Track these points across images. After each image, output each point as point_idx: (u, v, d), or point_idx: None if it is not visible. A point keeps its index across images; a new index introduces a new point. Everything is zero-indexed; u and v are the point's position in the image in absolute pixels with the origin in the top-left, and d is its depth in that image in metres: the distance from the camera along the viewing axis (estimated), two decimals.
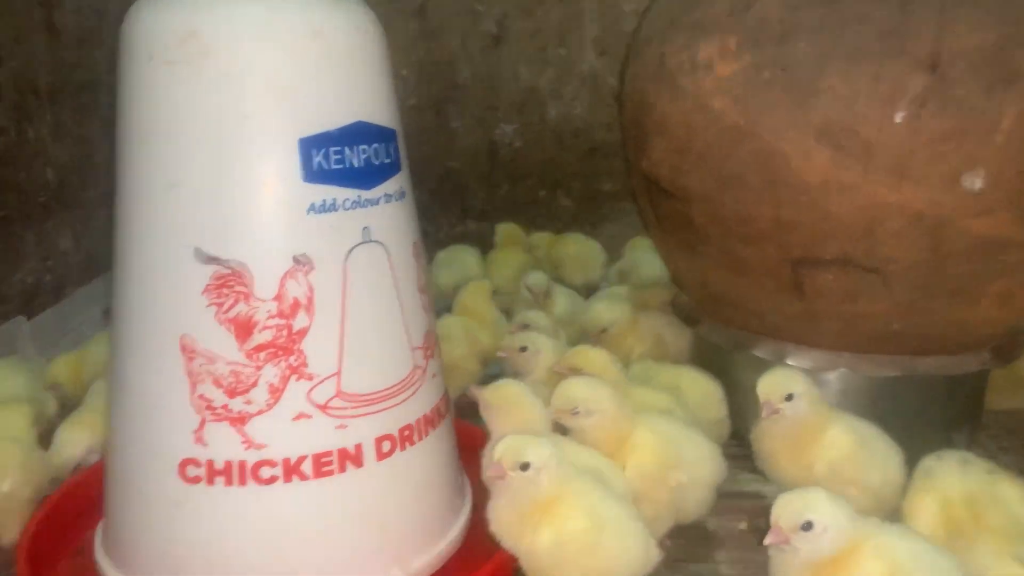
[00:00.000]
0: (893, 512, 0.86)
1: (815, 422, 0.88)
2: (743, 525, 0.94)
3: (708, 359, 1.11)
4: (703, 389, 1.01)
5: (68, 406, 1.12)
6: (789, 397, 0.87)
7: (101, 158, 1.60)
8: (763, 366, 1.02)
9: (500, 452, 0.72)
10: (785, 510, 0.67)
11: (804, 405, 0.87)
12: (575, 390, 0.84)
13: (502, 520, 0.74)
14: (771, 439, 0.90)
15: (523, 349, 1.05)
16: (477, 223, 2.00)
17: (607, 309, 1.21)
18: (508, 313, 1.37)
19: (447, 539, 0.83)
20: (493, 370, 1.19)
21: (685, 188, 0.95)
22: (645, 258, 1.66)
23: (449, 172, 1.96)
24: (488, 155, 1.95)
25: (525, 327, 1.14)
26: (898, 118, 0.79)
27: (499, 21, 1.86)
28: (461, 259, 1.62)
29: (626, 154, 1.10)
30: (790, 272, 0.91)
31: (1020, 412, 1.26)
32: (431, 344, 0.82)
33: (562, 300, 1.41)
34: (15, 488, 0.84)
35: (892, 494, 0.86)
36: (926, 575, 0.68)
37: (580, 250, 1.75)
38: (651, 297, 1.34)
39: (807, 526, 0.66)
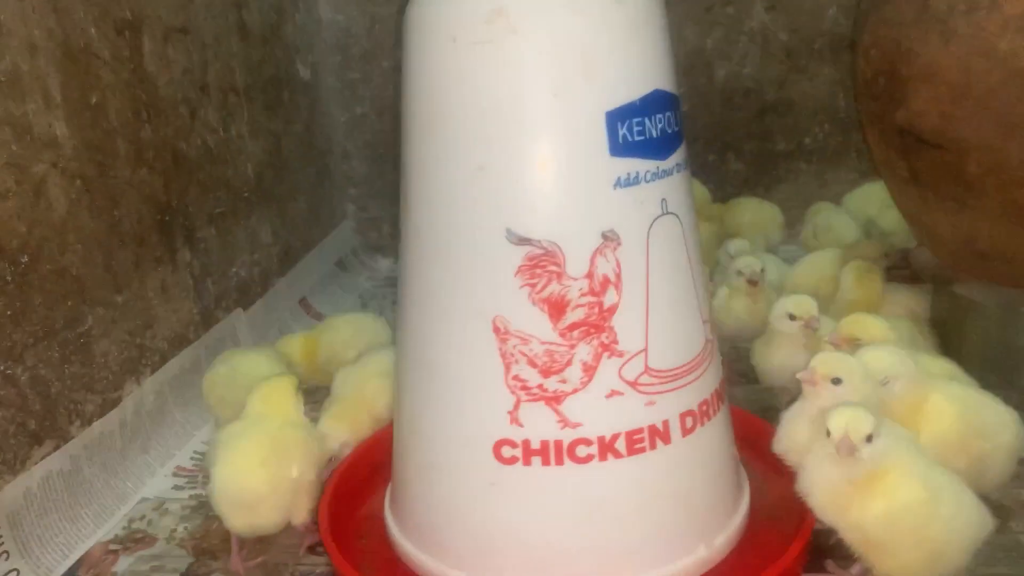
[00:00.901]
0: None
1: None
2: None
3: (958, 321, 1.05)
4: None
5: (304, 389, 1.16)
6: None
7: (288, 152, 1.65)
8: None
9: (843, 426, 0.69)
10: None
11: None
12: (879, 358, 0.79)
13: (825, 494, 0.71)
14: None
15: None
16: None
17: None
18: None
19: (740, 514, 0.81)
20: None
21: (958, 138, 0.89)
22: (838, 219, 1.60)
23: None
24: None
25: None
26: None
27: None
28: None
29: (866, 107, 1.04)
30: None
31: None
32: (712, 317, 0.80)
33: (770, 268, 1.36)
34: (302, 472, 0.87)
35: None
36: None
37: (755, 216, 1.69)
38: (863, 254, 1.28)
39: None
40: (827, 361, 0.78)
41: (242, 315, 1.42)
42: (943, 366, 0.89)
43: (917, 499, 0.68)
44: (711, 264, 1.44)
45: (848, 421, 0.69)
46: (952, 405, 0.80)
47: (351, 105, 1.90)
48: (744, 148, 1.89)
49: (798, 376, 0.80)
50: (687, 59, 1.84)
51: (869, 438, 0.68)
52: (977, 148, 0.88)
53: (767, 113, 1.86)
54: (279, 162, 1.62)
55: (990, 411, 0.82)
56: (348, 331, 1.22)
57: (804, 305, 1.01)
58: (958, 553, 0.70)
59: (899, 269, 1.25)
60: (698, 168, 1.92)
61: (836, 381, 0.77)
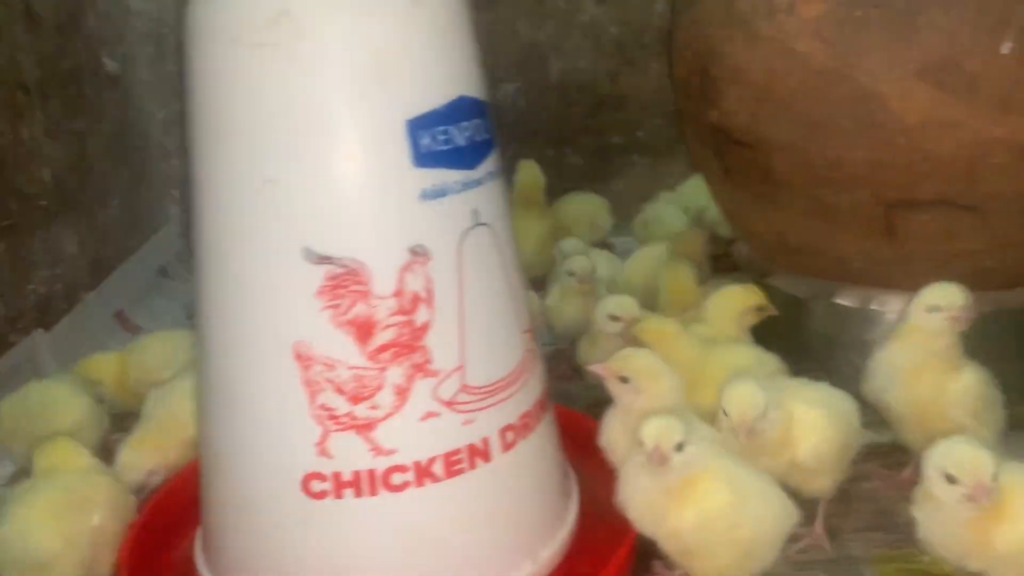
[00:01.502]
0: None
1: (953, 348, 0.84)
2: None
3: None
4: None
5: (114, 414, 1.06)
6: (934, 308, 0.81)
7: (96, 154, 1.51)
8: (843, 314, 1.01)
9: (654, 436, 0.68)
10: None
11: (948, 322, 0.82)
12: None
13: (642, 504, 0.71)
14: (908, 355, 0.84)
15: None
16: None
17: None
18: (539, 284, 1.32)
19: (567, 525, 0.80)
20: None
21: (764, 137, 0.92)
22: (667, 211, 1.64)
23: None
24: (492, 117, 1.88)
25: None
26: (1005, 49, 0.77)
27: None
28: None
29: (683, 106, 1.05)
30: (883, 216, 0.89)
31: None
32: (534, 325, 0.78)
33: (602, 264, 1.37)
34: (104, 521, 0.79)
35: (998, 434, 0.86)
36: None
37: (586, 208, 1.71)
38: (688, 250, 1.31)
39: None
40: (621, 358, 0.80)
41: (43, 336, 1.29)
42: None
43: (726, 503, 0.69)
44: (547, 262, 1.44)
45: (659, 431, 0.68)
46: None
47: (169, 100, 1.77)
48: (580, 142, 1.90)
49: (590, 368, 0.81)
50: (521, 53, 1.83)
51: (680, 446, 0.68)
52: (782, 148, 0.90)
53: (602, 107, 1.88)
54: (84, 165, 1.48)
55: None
56: (160, 350, 1.13)
57: (625, 306, 1.02)
58: (768, 549, 0.72)
59: (726, 258, 1.29)
60: (538, 162, 1.93)
61: (624, 379, 0.78)
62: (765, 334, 1.14)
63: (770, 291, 1.10)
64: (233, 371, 0.69)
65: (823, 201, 0.91)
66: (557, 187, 1.89)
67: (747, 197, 1.01)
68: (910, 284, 0.94)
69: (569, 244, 1.38)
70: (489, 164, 0.72)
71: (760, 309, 0.99)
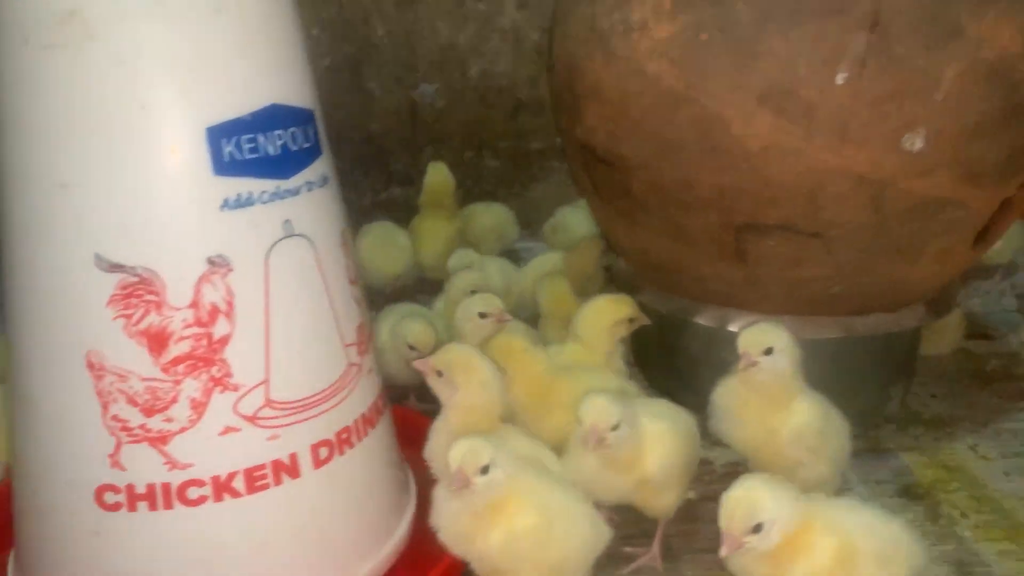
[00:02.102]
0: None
1: (787, 385, 0.84)
2: (692, 494, 0.93)
3: (649, 328, 1.09)
4: None
5: None
6: (769, 351, 0.82)
7: None
8: (705, 333, 1.01)
9: (458, 459, 0.68)
10: (734, 516, 0.66)
11: (784, 362, 0.82)
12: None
13: (452, 527, 0.71)
14: (739, 396, 0.85)
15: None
16: (402, 188, 1.93)
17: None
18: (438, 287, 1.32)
19: (393, 540, 0.79)
20: None
21: (622, 156, 0.91)
22: (573, 218, 1.64)
23: (370, 136, 1.88)
24: (409, 117, 1.87)
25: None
26: (839, 79, 0.77)
27: None
28: (392, 239, 1.53)
29: (557, 120, 1.05)
30: (732, 239, 0.89)
31: (944, 357, 1.30)
32: (365, 338, 0.77)
33: (495, 272, 1.37)
34: None
35: (843, 463, 0.87)
36: (875, 544, 0.68)
37: (495, 220, 1.70)
38: (582, 260, 1.31)
39: (758, 528, 0.65)
40: (439, 352, 0.82)
41: None
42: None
43: (533, 524, 0.69)
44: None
45: (464, 454, 0.68)
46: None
47: None
48: (499, 146, 1.89)
49: (413, 363, 0.82)
50: (441, 54, 1.82)
51: (485, 469, 0.68)
52: (638, 167, 0.90)
53: (521, 111, 1.87)
54: None
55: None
56: None
57: (492, 302, 1.02)
58: (576, 569, 0.71)
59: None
60: (456, 165, 1.92)
61: (440, 374, 0.81)
62: (638, 350, 1.15)
63: (641, 308, 1.10)
64: (32, 379, 0.67)
65: (677, 222, 0.91)
66: (475, 190, 1.89)
67: (613, 213, 1.01)
68: (764, 307, 0.95)
69: (457, 258, 1.37)
70: (311, 173, 0.70)
71: (631, 320, 0.99)
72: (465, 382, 0.79)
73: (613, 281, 1.12)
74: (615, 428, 0.76)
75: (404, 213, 1.71)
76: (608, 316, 0.98)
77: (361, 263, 1.46)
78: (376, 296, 1.50)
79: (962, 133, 0.79)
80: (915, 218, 0.84)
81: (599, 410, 0.76)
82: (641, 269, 1.07)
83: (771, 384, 0.82)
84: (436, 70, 1.84)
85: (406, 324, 1.06)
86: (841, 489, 0.96)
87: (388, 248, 1.49)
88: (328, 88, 1.84)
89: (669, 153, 0.86)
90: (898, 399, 1.07)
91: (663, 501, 0.82)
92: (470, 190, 1.90)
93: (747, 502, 0.66)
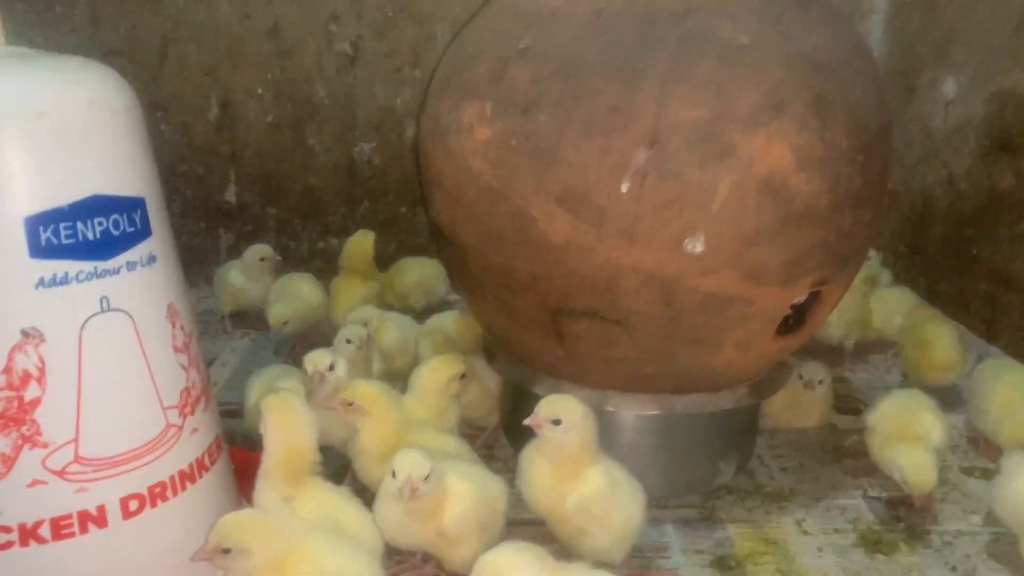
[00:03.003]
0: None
1: (578, 457, 0.92)
2: None
3: (508, 393, 1.17)
4: None
5: None
6: (557, 422, 0.89)
7: None
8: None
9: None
10: None
11: (571, 435, 0.90)
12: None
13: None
14: (534, 462, 0.93)
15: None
16: (338, 239, 2.02)
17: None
18: None
19: None
20: None
21: (460, 239, 1.00)
22: None
23: (309, 189, 1.98)
24: (347, 172, 1.98)
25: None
26: (624, 188, 0.85)
27: (353, 42, 1.88)
28: (297, 289, 1.62)
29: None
30: (550, 320, 0.97)
31: (810, 431, 1.37)
32: (191, 401, 0.86)
33: (393, 327, 1.45)
34: None
35: (632, 535, 0.93)
36: None
37: (421, 275, 1.78)
38: (468, 320, 1.39)
39: None
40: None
41: None
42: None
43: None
44: None
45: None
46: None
47: None
48: None
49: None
50: (377, 116, 1.93)
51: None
52: (472, 250, 0.99)
53: None
54: None
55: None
56: None
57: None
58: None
59: None
60: (390, 219, 2.02)
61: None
62: (503, 415, 1.22)
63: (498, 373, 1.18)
64: None
65: (506, 302, 0.99)
66: (408, 243, 1.99)
67: (464, 289, 1.09)
68: (588, 382, 1.03)
69: (356, 314, 1.45)
70: (134, 254, 0.79)
71: (463, 376, 1.09)
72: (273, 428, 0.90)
73: (485, 348, 1.20)
74: (426, 479, 0.84)
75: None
76: (441, 374, 1.07)
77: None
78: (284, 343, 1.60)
79: (740, 239, 0.87)
80: (706, 311, 0.92)
81: (413, 462, 0.85)
82: (494, 339, 1.15)
83: (558, 453, 0.90)
84: (374, 130, 1.94)
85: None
86: (659, 555, 1.03)
87: (287, 297, 1.57)
88: (270, 143, 1.96)
89: (492, 240, 0.95)
90: (730, 473, 1.14)
91: (459, 554, 0.89)
92: (403, 243, 2.00)
93: (493, 567, 0.74)
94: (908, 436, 1.15)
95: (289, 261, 2.01)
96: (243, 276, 1.68)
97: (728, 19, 0.88)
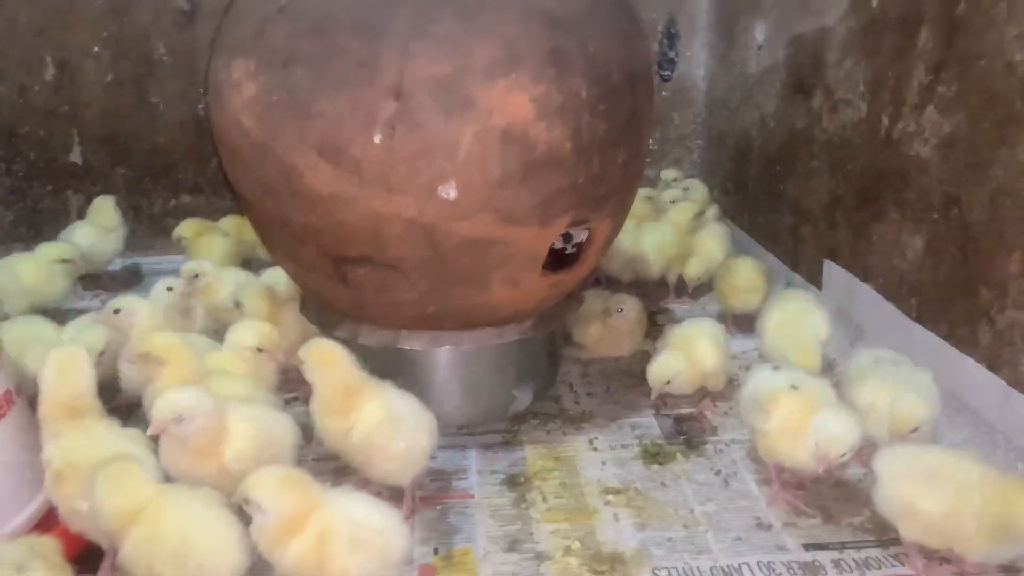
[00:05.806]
0: None
1: (355, 392, 0.99)
2: None
3: None
4: None
5: None
6: (179, 420, 0.92)
7: None
8: (346, 344, 1.15)
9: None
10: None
11: (336, 373, 0.99)
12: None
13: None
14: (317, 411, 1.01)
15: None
16: (191, 196, 2.04)
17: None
18: None
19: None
20: None
21: (242, 194, 1.05)
22: None
23: (156, 148, 1.98)
24: (195, 130, 1.98)
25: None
26: (376, 139, 0.91)
27: None
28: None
29: None
30: (333, 267, 1.03)
31: (622, 360, 1.47)
32: None
33: (227, 282, 1.49)
34: None
35: (417, 460, 1.01)
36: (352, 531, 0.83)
37: None
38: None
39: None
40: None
41: None
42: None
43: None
44: None
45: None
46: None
47: None
48: None
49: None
50: None
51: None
52: (255, 204, 1.04)
53: None
54: None
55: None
56: None
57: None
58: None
59: None
60: None
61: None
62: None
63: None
64: None
65: (292, 251, 1.05)
66: None
67: (260, 239, 1.14)
68: (379, 323, 1.10)
69: (189, 267, 1.48)
70: None
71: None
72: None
73: (301, 296, 1.26)
74: (178, 420, 0.90)
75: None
76: (248, 338, 1.14)
77: None
78: None
79: (489, 185, 0.94)
80: (468, 253, 0.99)
81: (161, 405, 0.91)
82: (298, 286, 1.21)
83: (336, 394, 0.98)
84: None
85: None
86: (457, 477, 1.13)
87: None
88: (113, 103, 1.95)
89: (268, 195, 1.00)
90: (527, 400, 1.23)
91: None
92: None
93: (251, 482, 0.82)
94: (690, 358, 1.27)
95: (141, 221, 2.02)
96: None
97: None
